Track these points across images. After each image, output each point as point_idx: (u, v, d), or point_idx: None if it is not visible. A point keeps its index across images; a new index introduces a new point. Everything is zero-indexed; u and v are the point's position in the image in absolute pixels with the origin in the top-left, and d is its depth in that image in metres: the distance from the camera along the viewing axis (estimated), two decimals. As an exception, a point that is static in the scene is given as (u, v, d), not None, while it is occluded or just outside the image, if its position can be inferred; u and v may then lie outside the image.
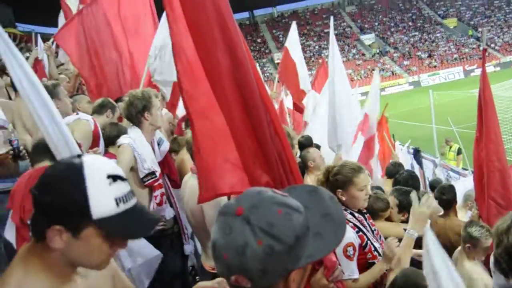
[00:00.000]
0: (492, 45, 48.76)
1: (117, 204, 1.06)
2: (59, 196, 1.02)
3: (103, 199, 1.04)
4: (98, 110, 3.71)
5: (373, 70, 48.06)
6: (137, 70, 4.78)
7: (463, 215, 4.22)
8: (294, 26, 7.51)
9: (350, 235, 2.38)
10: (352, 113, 5.53)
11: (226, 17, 1.79)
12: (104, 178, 1.06)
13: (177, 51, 1.85)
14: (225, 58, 1.78)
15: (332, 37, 5.87)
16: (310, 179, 4.40)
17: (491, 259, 2.89)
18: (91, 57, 4.76)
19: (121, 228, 1.07)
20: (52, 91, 3.23)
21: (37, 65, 4.92)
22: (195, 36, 1.80)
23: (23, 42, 17.28)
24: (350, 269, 2.34)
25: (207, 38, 1.77)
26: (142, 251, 2.79)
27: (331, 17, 7.00)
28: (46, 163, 2.29)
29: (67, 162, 1.10)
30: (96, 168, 1.07)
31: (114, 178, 1.07)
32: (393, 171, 4.85)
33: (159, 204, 2.99)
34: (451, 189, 4.09)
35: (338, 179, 2.48)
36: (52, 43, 5.21)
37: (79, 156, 1.09)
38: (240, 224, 0.88)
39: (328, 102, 5.65)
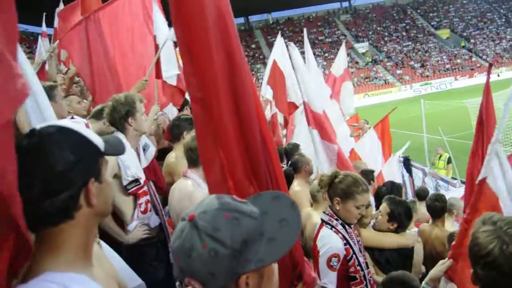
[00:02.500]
0: (484, 57, 49.44)
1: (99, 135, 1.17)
2: (77, 150, 1.05)
3: (94, 135, 1.13)
4: (96, 116, 3.45)
5: (366, 78, 48.60)
6: (123, 83, 4.68)
7: (448, 223, 4.24)
8: (280, 38, 7.33)
9: (339, 246, 2.37)
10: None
11: (227, 17, 1.61)
12: (83, 124, 1.15)
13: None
14: (223, 61, 1.59)
15: (307, 46, 5.92)
16: (299, 183, 4.35)
17: None
18: (92, 63, 4.69)
19: (113, 148, 1.18)
20: (49, 93, 3.14)
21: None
22: (191, 36, 1.53)
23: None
24: (328, 278, 2.34)
25: (203, 39, 1.53)
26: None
27: (305, 29, 7.12)
28: None
29: (47, 131, 1.05)
30: (69, 121, 1.15)
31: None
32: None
33: (144, 212, 2.90)
34: (444, 198, 4.17)
35: (343, 189, 2.44)
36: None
37: (34, 129, 1.05)
38: (190, 229, 0.93)
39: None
